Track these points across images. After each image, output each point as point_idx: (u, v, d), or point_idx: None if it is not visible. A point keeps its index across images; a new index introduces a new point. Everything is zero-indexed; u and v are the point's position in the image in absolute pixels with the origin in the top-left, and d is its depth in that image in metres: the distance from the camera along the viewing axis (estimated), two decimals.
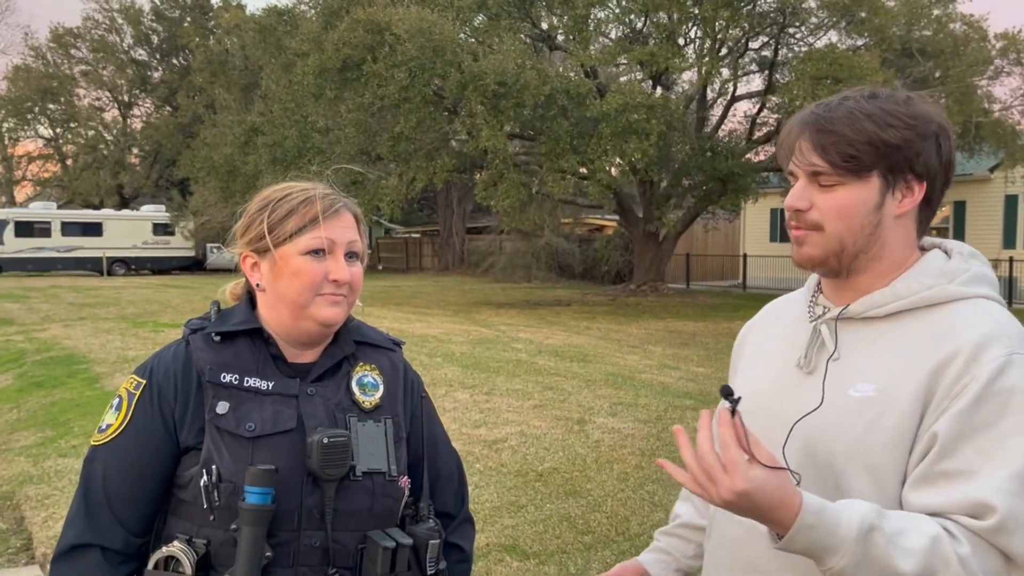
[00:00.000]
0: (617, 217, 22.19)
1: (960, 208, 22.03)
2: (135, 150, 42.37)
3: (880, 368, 1.21)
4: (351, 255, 1.40)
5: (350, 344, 1.46)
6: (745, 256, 25.55)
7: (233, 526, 1.26)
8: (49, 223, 30.11)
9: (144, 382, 1.36)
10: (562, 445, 6.12)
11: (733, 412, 1.12)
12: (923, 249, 1.31)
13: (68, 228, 30.45)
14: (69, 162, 42.65)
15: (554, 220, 25.40)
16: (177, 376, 1.34)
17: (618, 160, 17.23)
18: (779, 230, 24.93)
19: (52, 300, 17.83)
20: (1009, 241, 21.10)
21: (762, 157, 19.70)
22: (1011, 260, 19.85)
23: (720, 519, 1.37)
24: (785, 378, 1.32)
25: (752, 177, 18.18)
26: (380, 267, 37.31)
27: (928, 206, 1.26)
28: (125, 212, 34.53)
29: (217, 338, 1.37)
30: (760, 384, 1.36)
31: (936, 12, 16.90)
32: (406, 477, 1.41)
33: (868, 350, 1.24)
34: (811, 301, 1.35)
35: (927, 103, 1.25)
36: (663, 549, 1.60)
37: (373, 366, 1.46)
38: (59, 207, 35.25)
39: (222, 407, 1.32)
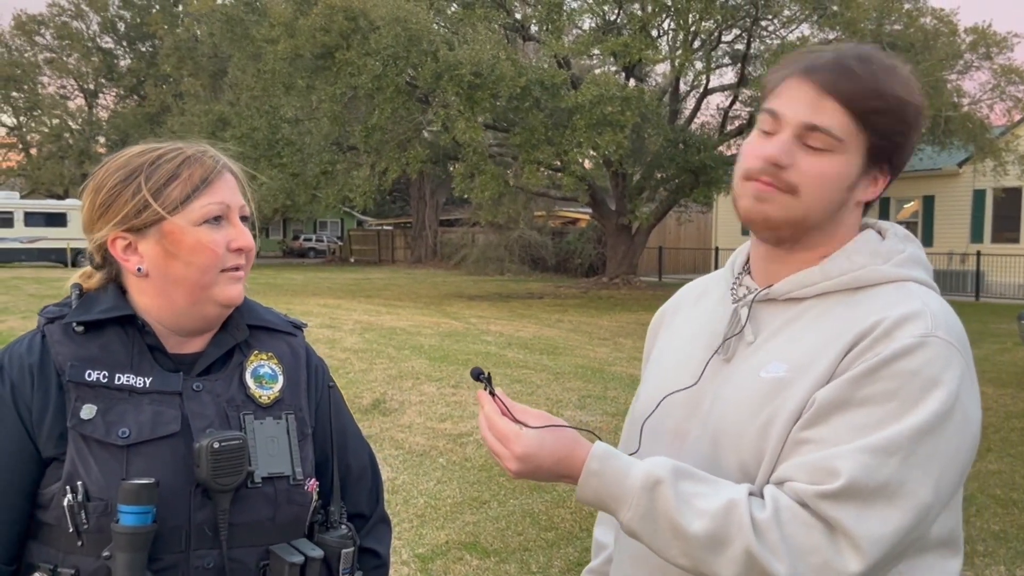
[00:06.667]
0: (590, 210, 22.13)
1: (929, 202, 22.21)
2: (101, 139, 41.61)
3: (797, 347, 1.10)
4: (243, 219, 1.22)
5: (243, 329, 1.26)
6: (717, 249, 25.58)
7: (106, 553, 1.07)
8: (12, 213, 29.33)
9: None
10: None
11: (492, 392, 1.11)
12: None
13: (31, 219, 29.66)
14: (33, 151, 41.77)
15: (528, 213, 25.32)
16: (34, 372, 1.14)
17: (592, 152, 17.13)
18: None
19: (12, 291, 17.36)
20: (977, 235, 21.29)
21: (734, 150, 19.69)
22: (979, 254, 20.04)
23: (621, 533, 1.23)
24: (702, 364, 1.19)
25: (724, 170, 18.16)
26: (352, 259, 36.96)
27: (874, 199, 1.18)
28: None
29: (79, 328, 1.16)
30: (677, 372, 1.23)
31: (907, 6, 16.96)
32: (314, 480, 1.24)
33: (788, 331, 1.13)
34: (734, 282, 1.22)
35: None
36: None
37: (270, 354, 1.26)
38: (22, 197, 34.42)
39: (87, 411, 1.12)
